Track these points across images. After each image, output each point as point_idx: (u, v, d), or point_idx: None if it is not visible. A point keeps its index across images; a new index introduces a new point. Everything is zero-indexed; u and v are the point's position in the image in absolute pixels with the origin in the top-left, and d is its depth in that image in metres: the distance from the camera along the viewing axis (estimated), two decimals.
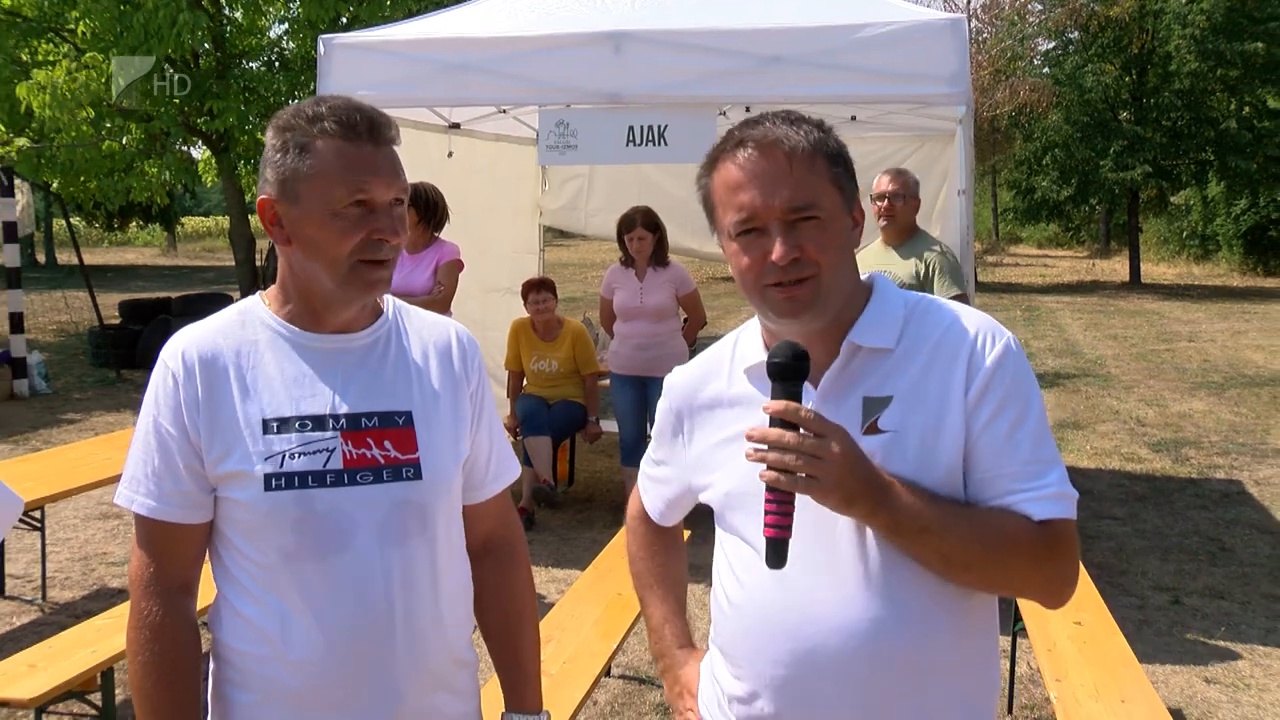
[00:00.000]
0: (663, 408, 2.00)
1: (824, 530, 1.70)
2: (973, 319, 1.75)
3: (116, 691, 3.96)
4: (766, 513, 1.62)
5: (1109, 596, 4.48)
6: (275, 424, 1.80)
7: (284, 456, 1.79)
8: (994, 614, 1.83)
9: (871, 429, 1.70)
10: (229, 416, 1.80)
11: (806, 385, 1.71)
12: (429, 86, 6.13)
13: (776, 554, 1.63)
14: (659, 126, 5.91)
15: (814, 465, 1.57)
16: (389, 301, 1.99)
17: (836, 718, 1.73)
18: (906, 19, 5.54)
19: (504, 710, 2.11)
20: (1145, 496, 8.13)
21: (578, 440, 8.09)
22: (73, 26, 12.82)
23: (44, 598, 5.96)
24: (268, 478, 1.78)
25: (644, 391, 7.15)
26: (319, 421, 1.82)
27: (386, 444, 1.86)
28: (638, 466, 6.74)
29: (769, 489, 1.61)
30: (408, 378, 1.92)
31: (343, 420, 1.83)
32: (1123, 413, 11.46)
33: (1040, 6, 30.50)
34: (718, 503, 1.87)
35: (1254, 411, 11.39)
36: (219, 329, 1.88)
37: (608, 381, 7.53)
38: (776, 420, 1.61)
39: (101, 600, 5.93)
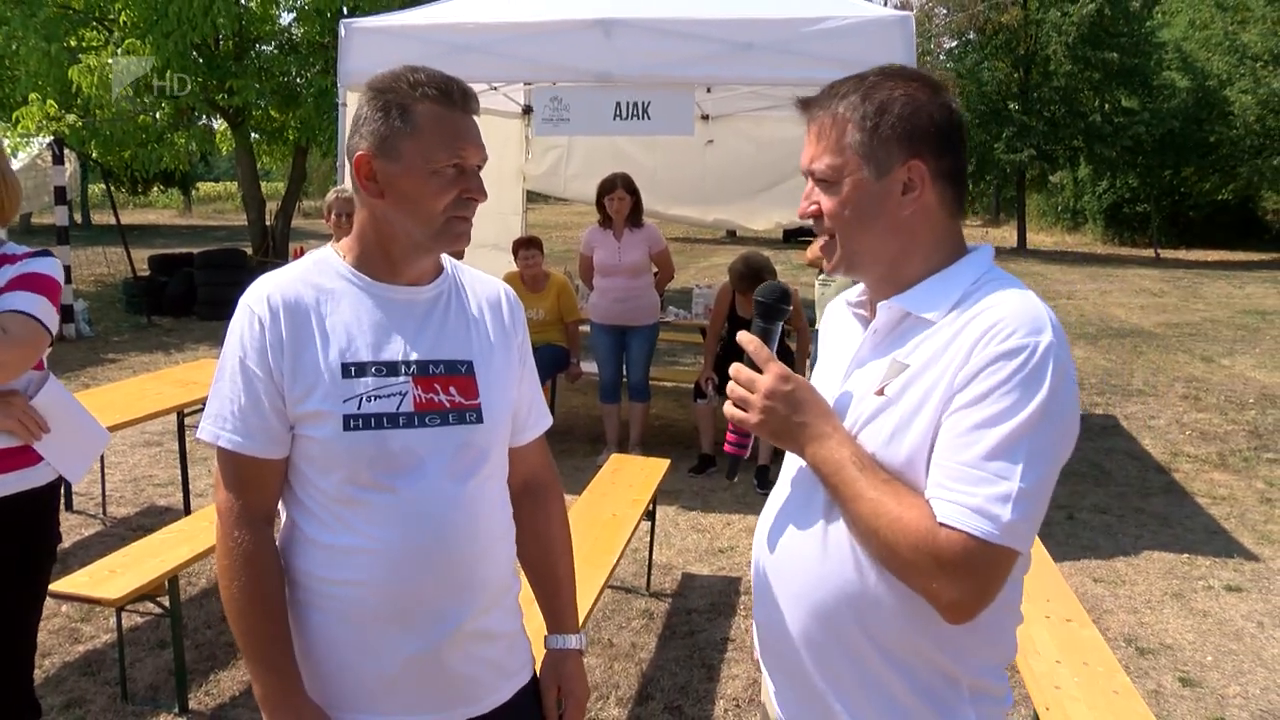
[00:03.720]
0: None
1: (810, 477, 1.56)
2: (1013, 309, 1.42)
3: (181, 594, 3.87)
4: (729, 430, 1.63)
5: None
6: (353, 368, 1.68)
7: (361, 399, 1.67)
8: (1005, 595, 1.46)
9: (880, 391, 1.49)
10: (310, 359, 1.68)
11: (863, 329, 1.62)
12: (438, 65, 5.90)
13: (732, 469, 1.70)
14: (643, 103, 5.80)
15: (743, 397, 1.54)
16: (446, 260, 1.88)
17: (790, 656, 1.60)
18: (862, 14, 5.45)
19: (545, 634, 2.03)
20: None
21: (560, 381, 8.00)
22: (114, 16, 12.47)
23: (105, 513, 5.86)
24: (346, 418, 1.66)
25: (621, 338, 7.08)
26: (392, 367, 1.71)
27: (452, 389, 1.75)
28: (615, 403, 6.79)
29: None
30: (467, 329, 1.82)
31: (413, 366, 1.72)
32: None
33: (945, 11, 30.60)
34: None
35: (1120, 358, 11.56)
36: (298, 277, 1.75)
37: (588, 328, 7.42)
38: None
39: (152, 516, 5.81)
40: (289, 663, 1.72)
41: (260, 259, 14.98)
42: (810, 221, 1.60)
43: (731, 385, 1.57)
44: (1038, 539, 4.07)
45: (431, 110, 1.67)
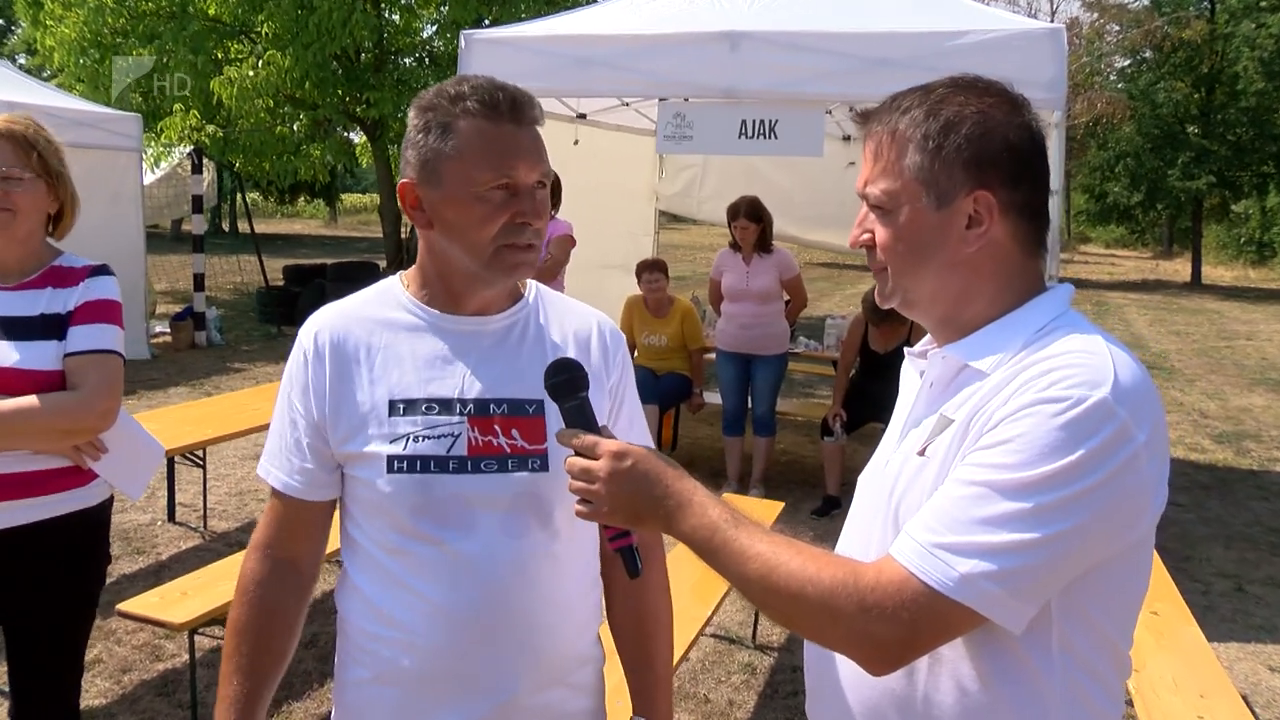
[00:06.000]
0: None
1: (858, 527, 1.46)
2: (1072, 357, 1.23)
3: None
4: (604, 527, 1.46)
5: (1174, 581, 4.10)
6: (401, 405, 1.58)
7: (408, 439, 1.57)
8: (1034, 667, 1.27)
9: (922, 451, 1.34)
10: (356, 398, 1.60)
11: (920, 381, 1.45)
12: (559, 78, 5.92)
13: (629, 564, 1.48)
14: (770, 121, 5.61)
15: (585, 490, 1.39)
16: (531, 286, 1.75)
17: None
18: (1008, 27, 5.17)
19: (632, 715, 1.84)
20: (1209, 486, 7.64)
21: (682, 410, 7.88)
22: (259, 29, 13.02)
23: (205, 526, 5.97)
24: (390, 459, 1.56)
25: (747, 368, 6.90)
26: (446, 405, 1.59)
27: (514, 432, 1.61)
28: (738, 436, 6.64)
29: None
30: (542, 365, 1.63)
31: (470, 405, 1.59)
32: (1186, 405, 10.83)
33: (1117, 27, 29.45)
34: None
35: None
36: (354, 310, 1.67)
37: (713, 356, 7.27)
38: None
39: (252, 531, 5.87)
40: (247, 705, 1.66)
41: (392, 271, 15.38)
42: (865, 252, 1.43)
43: (569, 481, 1.42)
44: (1189, 613, 3.73)
45: (473, 126, 1.54)
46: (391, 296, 1.68)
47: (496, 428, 1.60)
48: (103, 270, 2.53)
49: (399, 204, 1.64)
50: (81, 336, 2.42)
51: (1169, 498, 1.30)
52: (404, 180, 1.60)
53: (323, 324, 1.65)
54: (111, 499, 2.62)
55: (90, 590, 2.56)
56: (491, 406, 1.61)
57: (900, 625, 1.20)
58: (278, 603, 1.68)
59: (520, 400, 1.63)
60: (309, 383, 1.62)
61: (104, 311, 2.46)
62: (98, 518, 2.56)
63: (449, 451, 1.58)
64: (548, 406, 1.64)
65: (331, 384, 1.61)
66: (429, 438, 1.57)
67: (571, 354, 1.70)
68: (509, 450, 1.60)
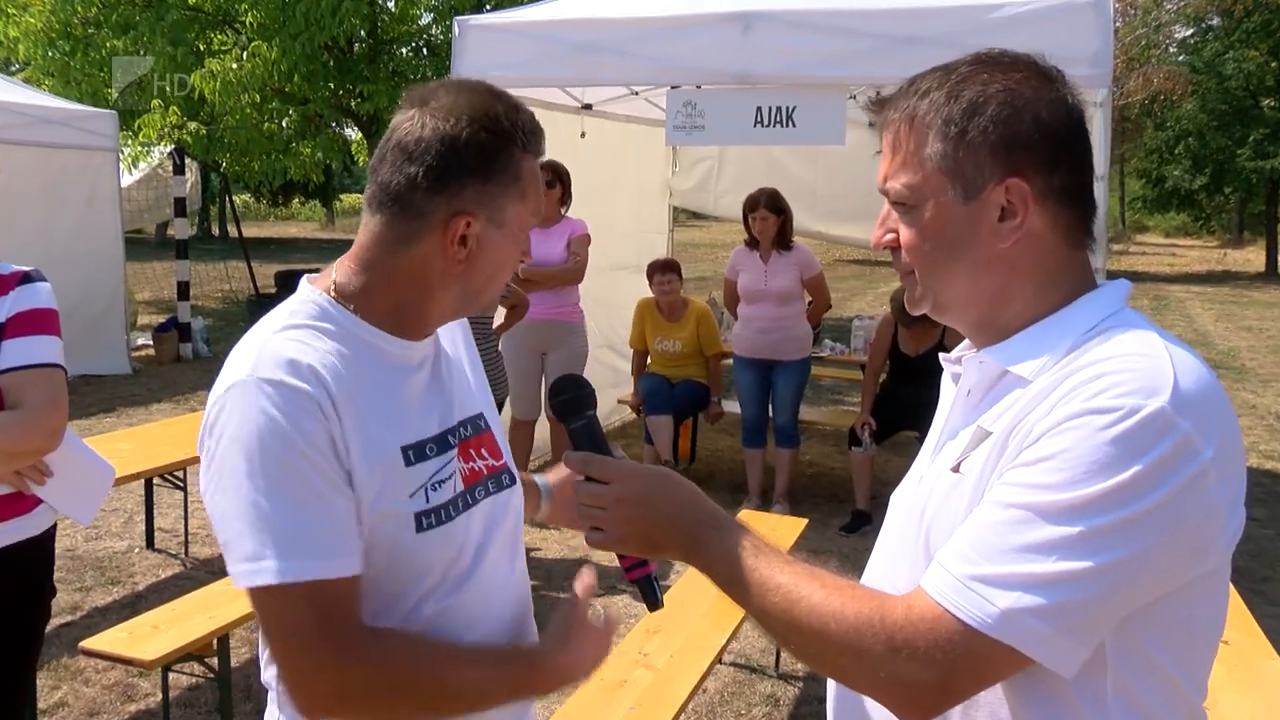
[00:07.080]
0: None
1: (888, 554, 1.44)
2: (1125, 362, 1.17)
3: (231, 656, 3.89)
4: (620, 556, 1.46)
5: (1251, 605, 4.00)
6: (412, 452, 1.47)
7: (426, 490, 1.47)
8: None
9: (956, 467, 1.30)
10: (373, 449, 1.42)
11: (955, 388, 1.42)
12: (560, 66, 5.94)
13: (647, 596, 1.48)
14: (787, 108, 5.59)
15: (596, 516, 1.39)
16: None
17: None
18: None
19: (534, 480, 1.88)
20: None
21: (700, 421, 7.88)
22: (243, 18, 13.11)
23: (186, 553, 6.01)
24: (418, 517, 1.45)
25: (767, 374, 6.90)
26: (441, 442, 1.52)
27: (483, 452, 1.60)
28: (759, 448, 6.59)
29: None
30: (464, 376, 1.66)
31: (456, 434, 1.56)
32: (1260, 408, 10.72)
33: None
34: None
35: None
36: (315, 340, 1.44)
37: (731, 361, 7.27)
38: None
39: None
40: (497, 652, 1.54)
41: None
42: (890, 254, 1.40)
43: (579, 508, 1.41)
44: (1269, 644, 3.62)
45: (529, 165, 1.50)
46: (336, 322, 1.48)
47: (471, 451, 1.59)
48: (33, 276, 2.51)
49: (446, 238, 1.46)
50: (18, 350, 2.40)
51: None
52: (465, 216, 1.44)
53: (310, 359, 1.40)
54: (55, 526, 2.63)
55: (34, 626, 2.56)
56: (461, 430, 1.59)
57: (934, 667, 1.15)
58: (405, 634, 1.51)
59: (474, 417, 1.63)
60: (330, 434, 1.38)
61: (39, 322, 2.45)
62: (42, 547, 2.56)
63: (456, 491, 1.53)
64: (488, 419, 1.65)
65: (350, 434, 1.40)
66: (441, 482, 1.50)
67: (464, 354, 1.69)
68: (486, 471, 1.60)
